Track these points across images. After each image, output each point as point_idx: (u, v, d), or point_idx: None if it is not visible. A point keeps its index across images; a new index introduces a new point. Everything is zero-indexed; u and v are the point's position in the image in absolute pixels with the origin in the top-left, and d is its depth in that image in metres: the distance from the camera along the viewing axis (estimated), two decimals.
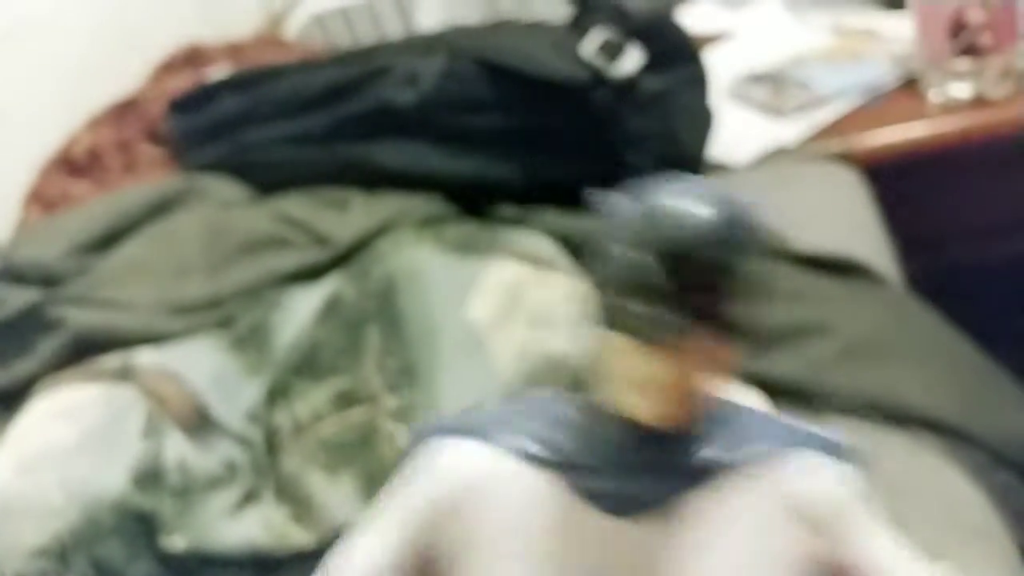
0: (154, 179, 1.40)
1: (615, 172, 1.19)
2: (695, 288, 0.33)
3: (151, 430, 0.90)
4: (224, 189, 1.28)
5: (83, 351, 1.02)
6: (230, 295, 1.07)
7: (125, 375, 0.96)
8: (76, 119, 1.61)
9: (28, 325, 1.06)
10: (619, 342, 0.34)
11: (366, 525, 0.38)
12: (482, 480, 0.35)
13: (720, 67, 1.40)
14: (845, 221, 1.21)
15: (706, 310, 0.33)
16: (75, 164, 1.56)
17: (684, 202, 0.34)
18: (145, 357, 0.98)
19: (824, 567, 0.36)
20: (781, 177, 1.31)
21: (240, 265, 1.11)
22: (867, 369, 0.95)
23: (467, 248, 1.07)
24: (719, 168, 1.33)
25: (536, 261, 1.07)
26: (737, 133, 1.38)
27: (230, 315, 1.05)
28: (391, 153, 1.21)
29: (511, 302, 0.99)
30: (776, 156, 1.35)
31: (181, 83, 1.63)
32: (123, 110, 1.65)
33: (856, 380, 0.94)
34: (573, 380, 0.90)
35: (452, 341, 0.95)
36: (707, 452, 0.36)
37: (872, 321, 1.00)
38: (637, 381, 0.34)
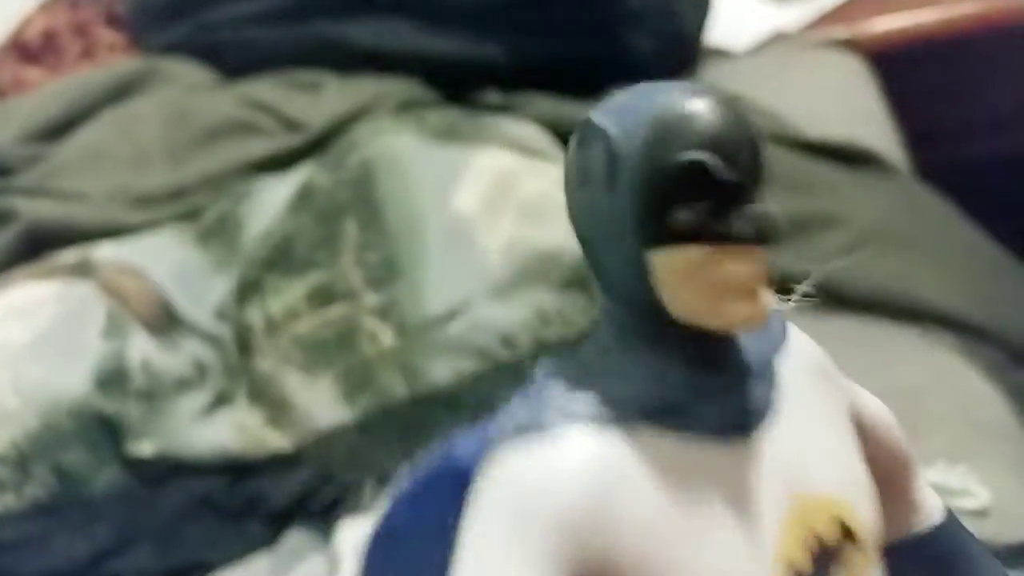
0: (114, 63, 1.32)
1: (610, 53, 1.13)
2: (753, 178, 0.31)
3: (112, 329, 0.83)
4: (187, 72, 1.19)
5: (36, 246, 0.95)
6: (194, 185, 1.00)
7: (83, 271, 0.89)
8: (29, 1, 1.52)
9: None
10: (695, 253, 0.30)
11: None
12: (609, 469, 0.30)
13: None
14: (850, 110, 1.15)
15: (763, 199, 0.31)
16: (28, 49, 1.47)
17: (701, 95, 0.31)
18: (104, 252, 0.91)
19: (851, 414, 0.36)
20: (782, 64, 1.24)
21: (204, 153, 1.03)
22: (878, 261, 0.89)
23: (451, 135, 1.00)
24: (717, 53, 1.26)
25: (525, 150, 1.00)
26: (734, 18, 1.31)
27: (195, 206, 0.97)
28: (366, 32, 1.13)
29: (501, 192, 0.93)
30: (776, 42, 1.28)
31: None
32: None
33: (866, 273, 0.89)
34: (568, 277, 0.85)
35: (437, 233, 0.88)
36: (757, 347, 0.33)
37: (883, 211, 0.94)
38: (734, 285, 0.30)
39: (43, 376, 0.79)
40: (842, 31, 1.26)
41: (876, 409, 0.37)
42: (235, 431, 0.78)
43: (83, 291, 0.86)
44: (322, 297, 0.86)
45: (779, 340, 0.34)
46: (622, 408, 0.30)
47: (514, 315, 0.82)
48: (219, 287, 0.87)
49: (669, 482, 0.30)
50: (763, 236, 0.30)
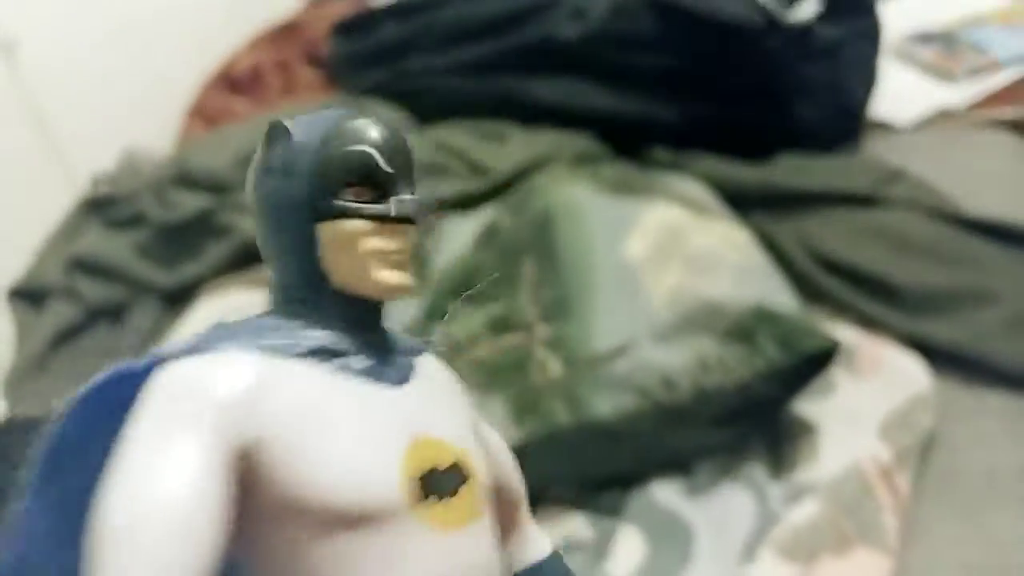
0: (312, 101, 1.44)
1: (778, 120, 1.18)
2: (406, 174, 0.41)
3: None
4: (383, 113, 1.30)
5: (248, 258, 1.07)
6: None
7: None
8: (237, 39, 1.66)
9: (199, 229, 1.11)
10: (360, 226, 0.40)
11: (152, 456, 0.35)
12: (262, 376, 0.38)
13: (886, 24, 1.36)
14: (1012, 191, 1.16)
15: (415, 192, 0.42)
16: (236, 82, 1.62)
17: (370, 114, 0.42)
18: None
19: (472, 425, 0.45)
20: (946, 141, 1.26)
21: None
22: None
23: (623, 188, 1.08)
24: (881, 127, 1.29)
25: (693, 206, 1.06)
26: (900, 93, 1.34)
27: None
28: (551, 88, 1.21)
29: (669, 243, 0.99)
30: (941, 119, 1.30)
31: (341, 8, 1.66)
32: (284, 32, 1.69)
33: (1021, 351, 0.91)
34: (730, 328, 0.89)
35: (607, 276, 0.95)
36: (400, 341, 0.44)
37: None
38: (387, 255, 0.40)
39: None
40: (1008, 112, 1.28)
41: (495, 437, 0.47)
42: None
43: None
44: (500, 326, 0.94)
45: (419, 348, 0.44)
46: (280, 350, 0.38)
47: (676, 359, 0.87)
48: (411, 309, 0.97)
49: (313, 396, 0.38)
50: (413, 217, 0.40)
